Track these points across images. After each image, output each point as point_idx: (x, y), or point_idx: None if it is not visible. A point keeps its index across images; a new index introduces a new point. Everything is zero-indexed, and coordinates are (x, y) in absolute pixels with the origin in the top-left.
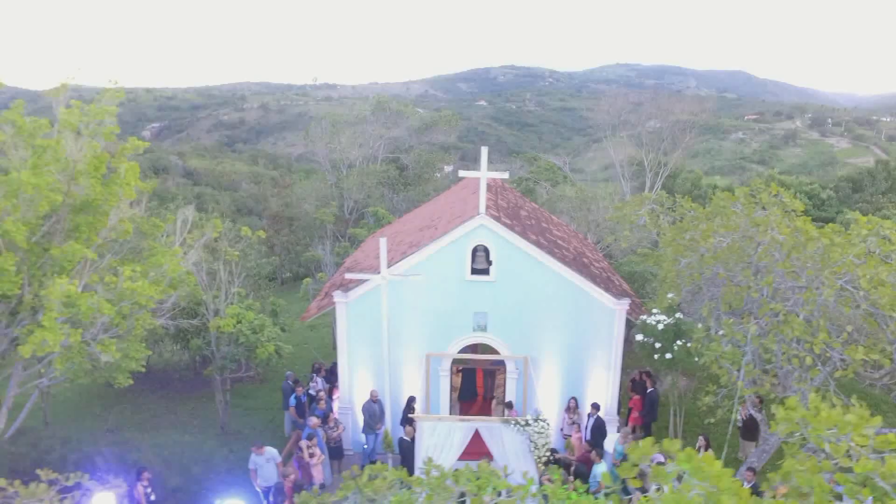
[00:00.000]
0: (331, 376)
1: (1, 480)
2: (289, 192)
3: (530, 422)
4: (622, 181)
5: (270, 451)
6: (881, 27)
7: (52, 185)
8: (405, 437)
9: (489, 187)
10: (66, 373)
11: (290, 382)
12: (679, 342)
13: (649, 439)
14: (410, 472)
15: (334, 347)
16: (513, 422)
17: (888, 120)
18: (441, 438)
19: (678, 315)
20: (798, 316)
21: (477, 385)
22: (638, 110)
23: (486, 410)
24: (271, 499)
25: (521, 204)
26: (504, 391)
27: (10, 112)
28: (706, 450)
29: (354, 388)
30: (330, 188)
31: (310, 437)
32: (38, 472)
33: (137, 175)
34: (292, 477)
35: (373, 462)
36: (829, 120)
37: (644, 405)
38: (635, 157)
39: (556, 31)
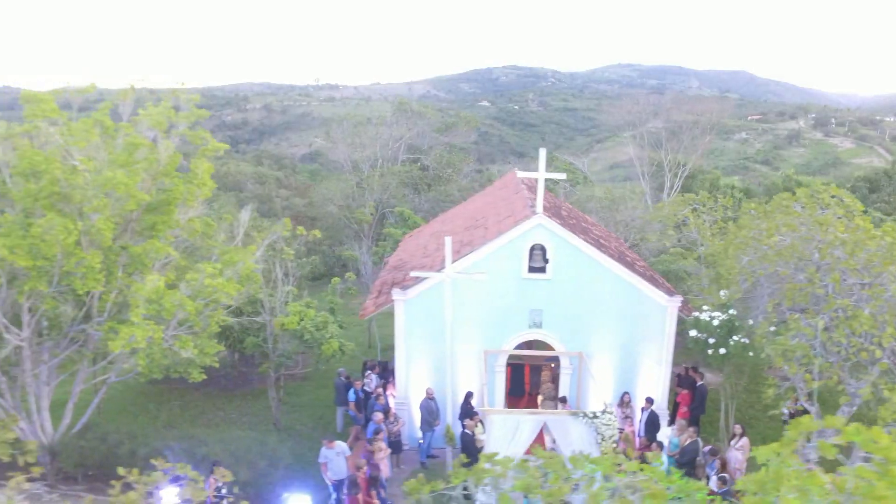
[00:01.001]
0: (383, 373)
1: (119, 469)
2: (311, 193)
3: (598, 414)
4: (642, 181)
5: (341, 445)
6: (883, 27)
7: (140, 184)
8: (467, 431)
9: (527, 188)
10: (143, 368)
11: (343, 379)
12: (735, 338)
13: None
14: (474, 464)
15: (370, 346)
16: (581, 414)
17: (892, 120)
18: (510, 431)
19: (731, 311)
20: (864, 311)
21: (524, 381)
22: (657, 110)
23: (532, 406)
24: (344, 492)
25: (560, 204)
26: (556, 386)
27: (98, 113)
28: (742, 437)
29: (410, 384)
30: (353, 188)
31: (376, 432)
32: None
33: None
34: (365, 469)
35: (430, 457)
36: (833, 120)
37: (693, 399)
38: (654, 158)
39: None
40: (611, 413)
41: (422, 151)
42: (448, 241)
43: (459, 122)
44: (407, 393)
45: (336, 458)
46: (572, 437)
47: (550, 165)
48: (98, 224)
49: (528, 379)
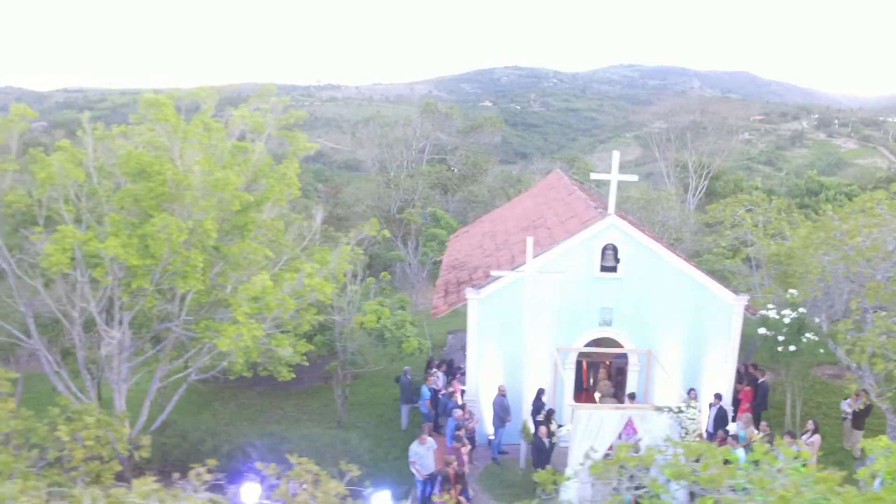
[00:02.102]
0: (448, 371)
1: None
2: (341, 194)
3: (683, 408)
4: (667, 182)
5: (430, 441)
6: (885, 28)
7: (242, 184)
8: (541, 437)
9: (579, 189)
10: (237, 367)
11: (409, 377)
12: (808, 335)
13: None
14: (541, 466)
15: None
16: (665, 409)
17: (894, 121)
18: (595, 426)
19: (801, 310)
20: None
21: (582, 378)
22: (683, 111)
23: (590, 402)
24: (436, 488)
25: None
26: (613, 383)
27: (201, 115)
28: (815, 433)
29: (481, 381)
30: (381, 189)
31: (458, 429)
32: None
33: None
34: (455, 465)
35: (501, 453)
36: (836, 121)
37: (756, 396)
38: (679, 159)
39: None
40: (694, 408)
41: (446, 152)
42: (530, 241)
43: (485, 123)
44: (477, 390)
45: (427, 453)
46: (656, 431)
47: (572, 167)
48: (205, 224)
49: (586, 376)
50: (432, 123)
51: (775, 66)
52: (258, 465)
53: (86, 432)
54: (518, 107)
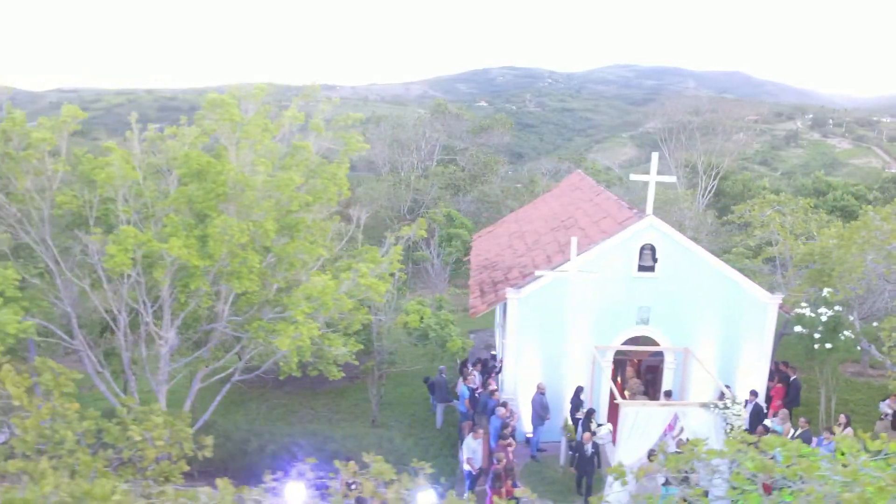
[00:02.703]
0: (483, 369)
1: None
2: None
3: (728, 404)
4: (677, 182)
5: (482, 436)
6: (878, 29)
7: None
8: (584, 443)
9: (596, 189)
10: (287, 367)
11: (444, 376)
12: (845, 333)
13: None
14: (582, 468)
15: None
16: (711, 405)
17: (888, 121)
18: (643, 423)
19: (837, 308)
20: None
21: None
22: (718, 115)
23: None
24: (487, 485)
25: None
26: (653, 381)
27: (258, 115)
28: (846, 427)
29: (519, 380)
30: (393, 189)
31: (504, 426)
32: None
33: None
34: (505, 462)
35: (540, 450)
36: (830, 121)
37: (788, 392)
38: (688, 160)
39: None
40: (739, 404)
41: (456, 152)
42: (574, 241)
43: (495, 123)
44: (515, 389)
45: (479, 448)
46: (700, 428)
47: (579, 166)
48: (265, 225)
49: (614, 374)
50: (442, 124)
51: (770, 65)
52: (303, 463)
53: (156, 432)
54: (514, 107)
